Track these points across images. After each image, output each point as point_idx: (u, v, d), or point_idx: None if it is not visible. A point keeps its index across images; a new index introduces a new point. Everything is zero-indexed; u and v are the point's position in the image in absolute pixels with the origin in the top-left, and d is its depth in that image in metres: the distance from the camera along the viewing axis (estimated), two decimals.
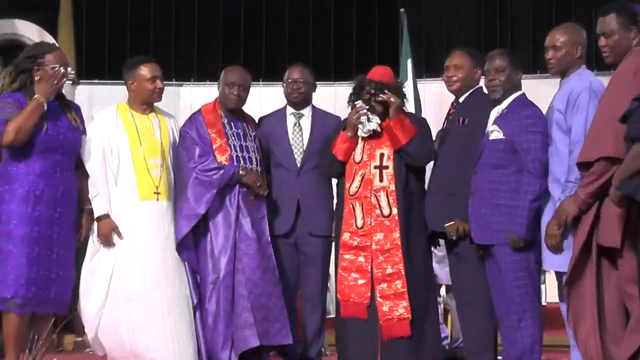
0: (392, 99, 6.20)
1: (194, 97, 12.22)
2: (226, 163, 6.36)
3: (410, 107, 8.77)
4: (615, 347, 5.15)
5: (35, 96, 5.75)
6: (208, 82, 13.14)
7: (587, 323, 5.24)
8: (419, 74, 10.98)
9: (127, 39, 14.96)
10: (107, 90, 12.99)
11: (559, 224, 5.37)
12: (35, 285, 5.77)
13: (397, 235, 6.23)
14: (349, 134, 6.31)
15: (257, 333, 6.25)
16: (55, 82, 5.87)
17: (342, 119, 6.67)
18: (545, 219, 5.60)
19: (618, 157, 4.94)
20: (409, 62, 10.08)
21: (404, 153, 6.26)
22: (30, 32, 14.35)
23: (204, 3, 15.11)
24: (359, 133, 6.25)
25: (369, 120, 6.21)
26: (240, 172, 6.30)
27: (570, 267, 5.26)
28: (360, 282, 6.24)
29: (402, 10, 10.95)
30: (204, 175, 6.29)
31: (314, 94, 7.05)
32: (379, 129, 6.23)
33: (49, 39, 13.52)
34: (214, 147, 6.39)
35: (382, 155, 6.32)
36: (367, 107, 6.20)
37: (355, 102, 6.28)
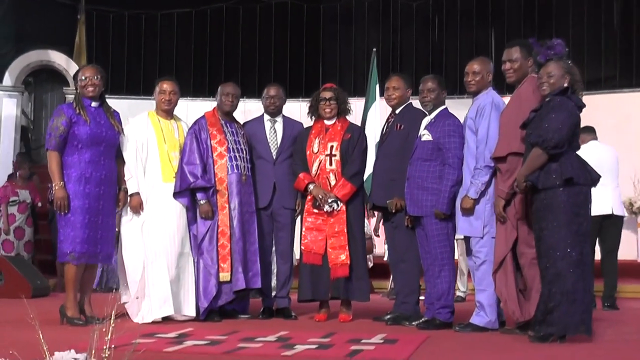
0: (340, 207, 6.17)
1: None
2: (225, 153, 6.21)
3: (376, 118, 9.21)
4: (526, 304, 5.19)
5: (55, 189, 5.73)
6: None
7: (509, 286, 5.28)
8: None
9: (124, 64, 14.60)
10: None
11: (499, 215, 5.26)
12: (86, 243, 5.72)
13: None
14: (312, 206, 6.23)
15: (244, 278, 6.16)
16: (87, 88, 5.87)
17: (304, 126, 6.59)
18: (459, 198, 5.56)
19: (521, 152, 5.09)
20: (377, 86, 9.84)
21: None
22: (59, 59, 13.93)
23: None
24: (325, 208, 6.13)
25: (334, 202, 6.11)
26: (202, 202, 6.09)
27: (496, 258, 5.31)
28: (319, 237, 6.20)
29: (374, 49, 10.50)
30: (184, 170, 6.11)
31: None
32: (337, 208, 6.14)
33: (73, 64, 13.20)
34: (214, 142, 6.22)
35: (331, 146, 6.27)
36: (332, 199, 6.10)
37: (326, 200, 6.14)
